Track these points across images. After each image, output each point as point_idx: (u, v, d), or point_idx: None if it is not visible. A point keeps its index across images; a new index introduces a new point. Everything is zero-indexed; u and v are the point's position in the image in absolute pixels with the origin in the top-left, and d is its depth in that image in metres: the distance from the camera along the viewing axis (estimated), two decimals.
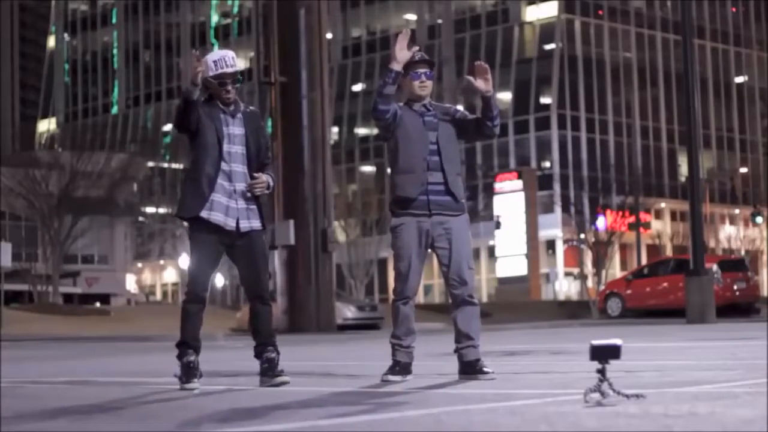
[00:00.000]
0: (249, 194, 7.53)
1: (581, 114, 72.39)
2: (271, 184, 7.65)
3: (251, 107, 7.79)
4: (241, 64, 72.88)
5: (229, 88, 7.52)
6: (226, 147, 7.48)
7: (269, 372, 7.43)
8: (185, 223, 7.88)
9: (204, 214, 7.46)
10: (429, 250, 7.64)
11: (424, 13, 78.42)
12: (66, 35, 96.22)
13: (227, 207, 7.46)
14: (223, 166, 7.49)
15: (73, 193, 52.99)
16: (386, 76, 7.44)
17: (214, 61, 7.50)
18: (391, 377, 7.44)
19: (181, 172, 74.54)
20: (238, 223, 7.49)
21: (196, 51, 7.48)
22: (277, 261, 30.79)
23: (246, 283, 7.58)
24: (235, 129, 7.55)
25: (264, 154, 7.70)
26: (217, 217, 7.45)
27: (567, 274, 70.38)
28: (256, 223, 7.57)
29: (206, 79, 7.47)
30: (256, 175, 7.53)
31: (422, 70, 7.60)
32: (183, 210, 7.55)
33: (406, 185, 7.51)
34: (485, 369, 7.42)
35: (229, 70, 7.50)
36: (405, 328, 7.56)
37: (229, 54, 7.58)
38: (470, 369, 7.44)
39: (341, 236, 59.72)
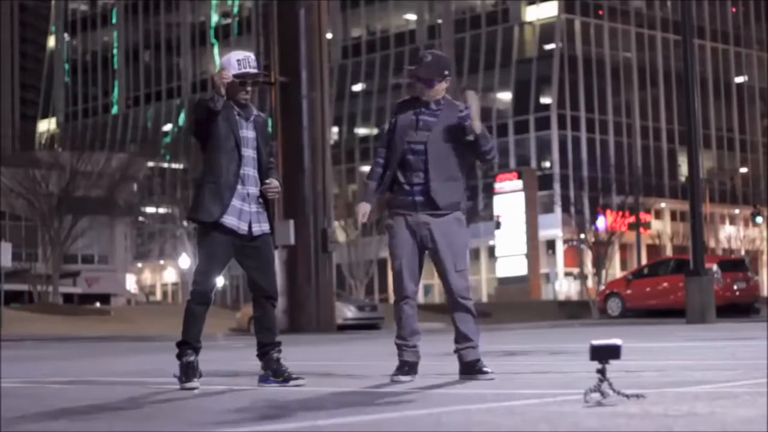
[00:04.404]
0: (260, 199, 7.59)
1: (581, 114, 72.40)
2: (280, 188, 7.71)
3: (261, 114, 7.82)
4: None
5: (249, 88, 7.57)
6: (242, 151, 7.52)
7: (284, 373, 7.45)
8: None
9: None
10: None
11: (424, 13, 78.43)
12: (66, 35, 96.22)
13: (240, 210, 7.51)
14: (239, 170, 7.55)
15: (73, 193, 52.99)
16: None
17: (238, 60, 7.54)
18: (402, 377, 7.46)
19: (181, 172, 74.54)
20: (250, 227, 7.53)
21: (224, 70, 7.50)
22: (277, 261, 30.75)
23: (256, 284, 7.60)
24: (249, 132, 7.60)
25: (268, 159, 7.75)
26: (230, 220, 7.49)
27: (567, 274, 70.40)
28: (266, 226, 7.63)
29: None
30: (267, 181, 7.60)
31: (424, 78, 7.54)
32: (202, 213, 7.52)
33: (391, 186, 7.59)
34: (485, 369, 7.42)
35: (252, 71, 7.55)
36: (409, 329, 7.57)
37: (252, 56, 7.64)
38: (470, 369, 7.45)
39: (341, 236, 59.73)
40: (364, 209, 7.63)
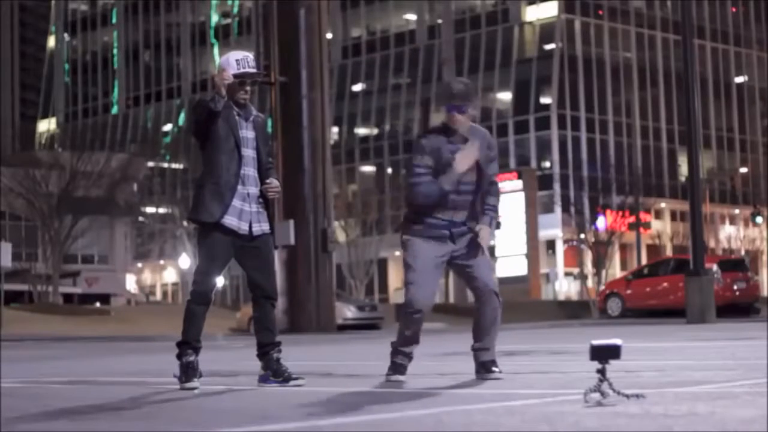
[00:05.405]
0: (260, 199, 7.58)
1: (581, 114, 72.40)
2: (280, 188, 7.71)
3: (260, 114, 7.82)
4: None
5: (248, 88, 7.57)
6: (242, 151, 7.52)
7: (284, 373, 7.45)
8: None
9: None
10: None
11: (424, 13, 78.42)
12: (66, 35, 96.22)
13: (240, 211, 7.50)
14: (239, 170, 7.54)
15: (73, 193, 52.99)
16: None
17: (237, 60, 7.55)
18: (400, 377, 7.48)
19: (181, 172, 74.56)
20: (250, 227, 7.53)
21: (225, 71, 7.49)
22: (277, 261, 30.77)
23: (256, 285, 7.60)
24: (248, 132, 7.60)
25: (267, 159, 7.75)
26: (231, 221, 7.48)
27: (567, 274, 70.41)
28: (266, 226, 7.63)
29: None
30: (267, 181, 7.60)
31: (457, 104, 7.32)
32: (204, 214, 7.51)
33: (427, 215, 7.36)
34: (494, 369, 7.43)
35: (251, 70, 7.55)
36: (412, 339, 7.56)
37: (251, 56, 7.64)
38: (482, 368, 7.46)
39: (341, 236, 59.74)
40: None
